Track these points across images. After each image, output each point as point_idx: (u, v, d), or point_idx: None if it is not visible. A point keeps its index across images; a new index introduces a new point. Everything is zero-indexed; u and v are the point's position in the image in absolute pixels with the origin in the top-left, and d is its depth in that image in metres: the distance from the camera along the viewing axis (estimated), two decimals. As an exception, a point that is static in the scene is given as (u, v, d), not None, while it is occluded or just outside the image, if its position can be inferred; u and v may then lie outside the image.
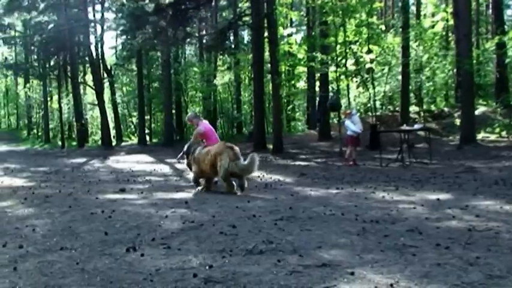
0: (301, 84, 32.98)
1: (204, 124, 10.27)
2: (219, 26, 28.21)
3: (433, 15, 29.52)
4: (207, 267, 4.00)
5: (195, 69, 38.63)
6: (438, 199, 7.41)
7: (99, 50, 39.33)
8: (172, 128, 32.72)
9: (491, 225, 5.49)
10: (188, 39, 30.95)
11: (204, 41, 33.38)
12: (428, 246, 4.57)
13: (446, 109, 27.69)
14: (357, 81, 28.57)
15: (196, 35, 31.46)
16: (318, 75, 27.83)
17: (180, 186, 10.24)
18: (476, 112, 22.00)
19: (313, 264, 4.03)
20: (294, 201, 7.57)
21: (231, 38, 32.91)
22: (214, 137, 10.03)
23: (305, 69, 27.48)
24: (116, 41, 44.59)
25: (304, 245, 4.69)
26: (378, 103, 29.48)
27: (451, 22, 27.24)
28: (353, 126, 14.52)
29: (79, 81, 38.87)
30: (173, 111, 34.72)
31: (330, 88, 26.77)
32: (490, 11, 32.90)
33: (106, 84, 42.09)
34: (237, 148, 8.91)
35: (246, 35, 39.85)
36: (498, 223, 5.57)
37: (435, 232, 5.20)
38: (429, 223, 5.66)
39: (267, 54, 24.73)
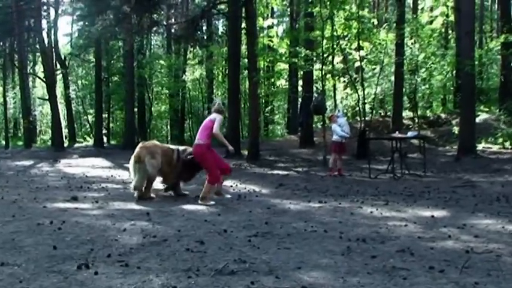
0: (282, 83, 33.14)
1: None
2: (190, 14, 28.19)
3: (431, 9, 29.90)
4: (170, 289, 3.97)
5: (162, 62, 38.54)
6: (433, 216, 7.49)
7: (52, 37, 38.78)
8: (133, 129, 32.52)
9: (491, 247, 5.55)
10: (155, 28, 30.81)
11: (173, 30, 33.23)
12: (421, 269, 4.61)
13: (443, 115, 28.05)
14: (344, 81, 28.81)
15: (164, 23, 31.31)
16: (301, 73, 27.95)
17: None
18: (477, 119, 22.31)
19: (291, 287, 4.03)
20: (270, 215, 7.57)
21: (204, 28, 32.90)
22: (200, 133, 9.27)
23: (287, 66, 27.64)
24: (72, 27, 44.21)
25: (282, 265, 4.69)
26: (367, 107, 29.69)
27: (452, 18, 27.71)
28: (340, 131, 14.59)
29: (27, 72, 38.41)
30: (135, 109, 34.52)
31: (315, 88, 26.92)
32: (496, 6, 33.45)
33: (59, 77, 41.59)
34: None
35: (220, 25, 39.93)
36: (499, 245, 5.64)
37: (429, 253, 5.24)
38: (422, 243, 5.71)
39: (244, 47, 24.81)
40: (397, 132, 17.45)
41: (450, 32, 32.03)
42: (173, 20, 32.73)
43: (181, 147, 10.17)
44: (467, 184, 11.68)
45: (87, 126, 45.51)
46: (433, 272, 4.52)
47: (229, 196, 9.85)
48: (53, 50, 38.25)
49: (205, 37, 33.12)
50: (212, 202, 8.73)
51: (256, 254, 5.12)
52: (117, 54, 38.60)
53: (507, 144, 20.95)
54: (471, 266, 4.76)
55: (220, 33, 38.94)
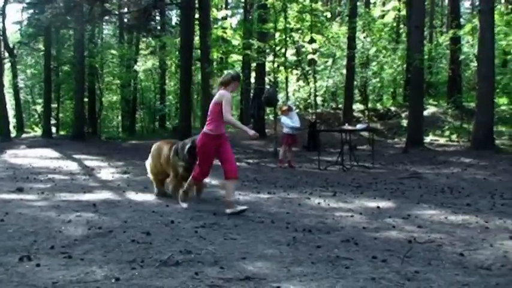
0: (236, 75, 33.05)
1: None
2: (142, 4, 27.79)
3: (383, 3, 30.28)
4: (113, 280, 3.94)
5: (113, 52, 37.96)
6: (378, 207, 7.62)
7: (0, 25, 37.89)
8: (83, 119, 31.99)
9: (433, 236, 5.69)
10: (106, 17, 30.36)
11: (125, 19, 32.82)
12: (364, 259, 4.69)
13: (393, 108, 28.51)
14: (297, 74, 28.96)
15: (116, 12, 30.85)
16: (254, 65, 27.95)
17: (89, 186, 10.02)
18: (425, 113, 22.79)
19: (235, 277, 4.05)
20: (219, 206, 7.57)
21: (157, 18, 32.54)
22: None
23: (240, 57, 27.57)
24: (22, 15, 43.24)
25: (227, 256, 4.71)
26: (319, 99, 30.00)
27: (404, 12, 28.14)
28: (290, 123, 14.65)
29: (-27, 60, 37.29)
30: (85, 99, 33.96)
31: (267, 80, 26.99)
32: (447, 1, 34.10)
33: (7, 66, 40.62)
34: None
35: (174, 16, 39.55)
36: (441, 235, 5.78)
37: (372, 243, 5.34)
38: (367, 233, 5.81)
39: (197, 38, 24.63)
40: (346, 124, 17.63)
41: (402, 26, 32.49)
42: (125, 9, 32.29)
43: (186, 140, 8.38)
44: (414, 176, 11.90)
45: (36, 116, 44.54)
46: (375, 262, 4.60)
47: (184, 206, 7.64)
48: (1, 38, 37.28)
49: (158, 27, 32.77)
50: (185, 205, 7.49)
51: (202, 244, 5.13)
52: (68, 43, 37.80)
53: (454, 137, 21.46)
54: (413, 255, 4.87)
55: (173, 23, 38.54)
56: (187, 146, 7.91)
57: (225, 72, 7.74)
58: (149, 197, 8.42)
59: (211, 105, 7.16)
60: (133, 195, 8.66)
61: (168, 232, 5.71)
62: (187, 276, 4.07)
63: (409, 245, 5.28)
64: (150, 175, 8.83)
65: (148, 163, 8.84)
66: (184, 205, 7.48)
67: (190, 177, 7.48)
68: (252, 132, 7.20)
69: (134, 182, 10.53)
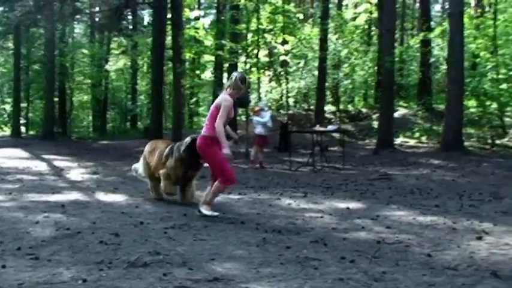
0: (208, 75, 33.03)
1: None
2: (114, 3, 27.59)
3: (355, 6, 30.51)
4: (80, 282, 3.91)
5: (84, 51, 37.62)
6: (348, 208, 7.67)
7: (-31, 23, 37.34)
8: (53, 119, 31.61)
9: (402, 237, 5.75)
10: (77, 16, 30.07)
11: (97, 19, 32.55)
12: (333, 259, 4.72)
13: (364, 110, 28.73)
14: (269, 75, 29.03)
15: (87, 11, 30.61)
16: (226, 65, 27.94)
17: (58, 187, 9.90)
18: (396, 114, 23.00)
19: (204, 278, 4.04)
20: (189, 207, 7.55)
21: (129, 17, 32.34)
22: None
23: (212, 58, 27.53)
24: (-10, 13, 42.44)
25: (196, 257, 4.70)
26: (291, 100, 30.10)
27: (375, 15, 28.38)
28: (262, 121, 14.64)
29: None
30: (55, 98, 33.58)
31: (240, 81, 26.96)
32: (418, 5, 34.49)
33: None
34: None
35: (146, 15, 39.30)
36: (409, 235, 5.85)
37: (341, 244, 5.38)
38: (336, 234, 5.85)
39: (169, 38, 24.51)
40: (318, 125, 17.71)
41: (373, 28, 32.77)
42: (97, 9, 32.05)
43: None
44: (384, 177, 12.00)
45: (5, 115, 43.85)
46: (344, 262, 4.63)
47: (217, 214, 6.95)
48: (-31, 36, 36.69)
49: (129, 27, 32.56)
50: (215, 213, 6.73)
51: (171, 245, 5.11)
52: (38, 41, 37.33)
53: (423, 138, 21.71)
54: (381, 256, 4.91)
55: (145, 23, 38.32)
56: (186, 141, 7.60)
57: (233, 74, 7.04)
58: (119, 198, 8.35)
59: (212, 108, 6.82)
60: (102, 196, 8.58)
61: (137, 233, 5.67)
62: (155, 278, 4.05)
63: (378, 246, 5.33)
64: (145, 179, 8.56)
65: (140, 165, 8.58)
66: (215, 213, 6.71)
67: (218, 184, 6.63)
68: (226, 151, 6.54)
69: (104, 183, 10.43)
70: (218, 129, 6.53)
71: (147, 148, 8.48)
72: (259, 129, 14.77)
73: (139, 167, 8.62)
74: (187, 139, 7.64)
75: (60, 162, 15.29)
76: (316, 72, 29.17)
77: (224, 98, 6.68)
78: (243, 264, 4.51)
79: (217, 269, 4.33)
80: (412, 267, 4.55)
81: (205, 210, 6.64)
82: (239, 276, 4.11)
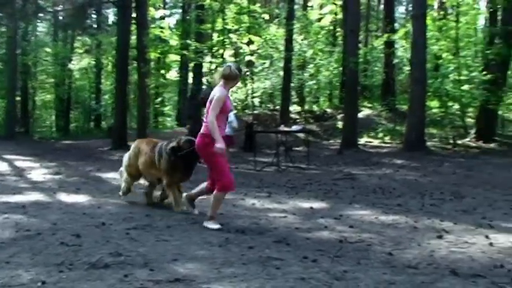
0: (173, 75, 32.88)
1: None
2: (78, 1, 27.25)
3: (321, 7, 30.70)
4: (40, 284, 3.87)
5: (48, 50, 37.11)
6: (312, 208, 7.70)
7: None
8: (15, 118, 31.07)
9: (364, 236, 5.81)
10: (40, 14, 29.57)
11: (60, 17, 32.10)
12: (295, 259, 4.74)
13: (329, 110, 28.87)
14: (235, 75, 28.98)
15: (50, 9, 30.13)
16: (191, 65, 27.85)
17: (19, 187, 9.73)
18: (360, 115, 23.20)
19: (165, 279, 4.03)
20: (152, 207, 7.51)
21: (93, 16, 31.99)
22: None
23: (178, 57, 27.43)
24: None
25: (158, 258, 4.68)
26: (256, 100, 30.13)
27: (340, 16, 28.62)
28: (228, 123, 14.63)
29: None
30: (18, 98, 33.03)
31: (205, 81, 26.92)
32: (382, 6, 34.86)
33: None
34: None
35: (111, 14, 38.94)
36: (371, 234, 5.91)
37: (304, 243, 5.41)
38: (299, 234, 5.87)
39: (134, 38, 24.33)
40: (282, 125, 17.77)
41: (338, 29, 33.00)
42: (60, 7, 31.55)
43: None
44: (347, 176, 12.07)
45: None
46: (306, 262, 4.66)
47: (196, 212, 7.04)
48: None
49: (94, 26, 32.21)
50: (217, 226, 6.14)
51: (133, 246, 5.08)
52: (0, 40, 36.72)
53: (387, 138, 21.95)
54: (343, 255, 4.96)
55: (110, 22, 37.95)
56: (170, 145, 7.16)
57: (226, 64, 6.58)
58: (81, 199, 8.24)
59: (207, 104, 6.26)
60: (64, 197, 8.46)
61: (99, 234, 5.62)
62: (116, 279, 4.03)
63: (340, 245, 5.38)
64: (123, 178, 8.11)
65: (124, 169, 8.01)
66: (216, 226, 6.14)
67: (216, 192, 6.19)
68: (219, 145, 6.02)
69: (66, 183, 10.29)
70: (209, 120, 6.07)
71: (132, 148, 8.04)
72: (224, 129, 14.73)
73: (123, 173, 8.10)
74: (173, 142, 7.26)
75: (22, 162, 15.02)
76: (281, 73, 29.23)
77: (217, 90, 6.21)
78: (205, 264, 4.51)
79: (179, 269, 4.32)
80: (373, 266, 4.60)
81: (211, 225, 6.13)
82: (201, 277, 4.11)
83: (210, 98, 6.21)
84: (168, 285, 3.89)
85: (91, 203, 7.82)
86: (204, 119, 6.31)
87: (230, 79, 6.29)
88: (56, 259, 4.57)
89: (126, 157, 8.04)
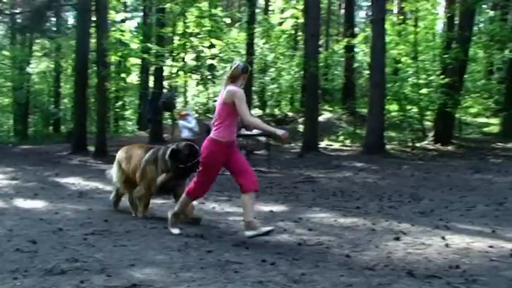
0: (134, 79, 32.61)
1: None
2: (36, 4, 26.82)
3: (282, 11, 30.83)
4: (-8, 292, 3.79)
5: (5, 53, 36.41)
6: (272, 211, 7.74)
7: None
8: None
9: (322, 239, 5.86)
10: (-3, 17, 29.04)
11: (18, 20, 31.53)
12: (254, 262, 4.76)
13: (290, 114, 28.99)
14: (196, 79, 28.92)
15: (8, 12, 29.59)
16: (152, 69, 27.66)
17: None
18: (321, 118, 23.36)
19: (122, 284, 4.00)
20: (111, 212, 7.44)
21: (52, 19, 31.53)
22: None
23: (138, 61, 27.19)
24: None
25: (115, 263, 4.64)
26: (218, 104, 30.05)
27: (302, 20, 28.79)
28: (188, 126, 14.56)
29: None
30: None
31: (166, 85, 26.76)
32: (343, 11, 35.21)
33: None
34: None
35: (70, 17, 38.45)
36: (330, 237, 5.96)
37: (263, 247, 5.44)
38: (258, 237, 5.87)
39: (94, 41, 24.06)
40: (243, 129, 17.75)
41: (300, 33, 33.19)
42: (18, 9, 31.03)
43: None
44: (308, 180, 12.14)
45: None
46: (264, 265, 4.68)
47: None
48: None
49: (53, 28, 31.75)
50: (176, 231, 6.06)
51: (90, 252, 5.03)
52: (-45, 43, 36.01)
53: (347, 142, 22.14)
54: (302, 258, 4.99)
55: (69, 25, 37.44)
56: (168, 150, 6.71)
57: (234, 63, 6.11)
58: (38, 204, 8.12)
59: (218, 106, 5.87)
60: (21, 203, 8.33)
61: (56, 240, 5.55)
62: (72, 285, 3.99)
63: (299, 248, 5.41)
64: (117, 185, 7.59)
65: (114, 172, 7.55)
66: (176, 231, 6.04)
67: (184, 194, 6.05)
68: (281, 132, 5.82)
69: (23, 189, 10.12)
70: (251, 121, 5.86)
71: (121, 153, 7.59)
72: (185, 133, 14.64)
73: (113, 173, 7.64)
74: (171, 146, 6.87)
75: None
76: (243, 76, 29.25)
77: (233, 91, 5.72)
78: (163, 269, 4.49)
79: (136, 274, 4.29)
80: (331, 268, 4.64)
81: (250, 232, 5.66)
82: (158, 282, 4.09)
83: (222, 101, 5.79)
84: (125, 290, 3.87)
85: (48, 209, 7.71)
86: (215, 123, 5.87)
87: (238, 76, 5.88)
88: (10, 266, 4.51)
89: (114, 168, 7.53)
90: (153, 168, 6.87)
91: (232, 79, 5.83)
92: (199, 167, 6.04)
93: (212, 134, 5.84)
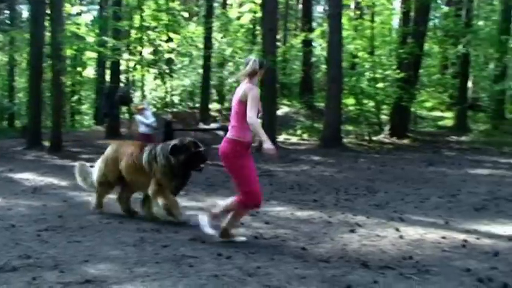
0: (90, 73, 32.19)
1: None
2: (-12, -4, 26.28)
3: (240, 5, 30.80)
4: None
5: (-43, 46, 35.58)
6: (228, 205, 7.73)
7: None
8: None
9: (279, 232, 5.90)
10: None
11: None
12: (209, 256, 4.77)
13: (249, 108, 28.99)
14: (154, 73, 28.72)
15: (-41, 4, 28.92)
16: (109, 63, 27.34)
17: None
18: (279, 112, 23.47)
19: (75, 281, 3.96)
20: (66, 208, 7.35)
21: (6, 11, 30.88)
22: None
23: (95, 55, 26.83)
24: None
25: (69, 259, 4.59)
26: (176, 98, 29.92)
27: (259, 14, 28.83)
28: (146, 122, 14.45)
29: None
30: None
31: (123, 79, 26.50)
32: (300, 6, 35.37)
33: None
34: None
35: (25, 10, 37.70)
36: (286, 230, 6.01)
37: (219, 241, 5.41)
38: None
39: (49, 34, 23.64)
40: (201, 123, 17.76)
41: (258, 28, 33.22)
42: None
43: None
44: (266, 173, 12.18)
45: None
46: (220, 259, 4.70)
47: (243, 239, 5.64)
48: None
49: (6, 21, 31.10)
50: (243, 238, 5.61)
51: (43, 248, 4.97)
52: None
53: (305, 135, 22.29)
54: (257, 251, 5.02)
55: (23, 18, 36.72)
56: (170, 145, 6.36)
57: (250, 59, 5.72)
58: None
59: (235, 105, 5.51)
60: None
61: (8, 237, 5.46)
62: (24, 282, 3.93)
63: (255, 241, 5.44)
64: (91, 188, 7.31)
65: (96, 170, 7.18)
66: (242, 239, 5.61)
67: (236, 204, 5.44)
68: (267, 145, 5.36)
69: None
70: (252, 122, 5.24)
71: (110, 150, 7.14)
72: (142, 128, 14.52)
73: (95, 170, 7.25)
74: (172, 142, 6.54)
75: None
76: (201, 71, 29.15)
77: (248, 87, 5.40)
78: (118, 264, 4.46)
79: (90, 270, 4.25)
80: (286, 261, 4.68)
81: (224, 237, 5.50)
82: (112, 277, 4.06)
83: (239, 99, 5.43)
84: (78, 286, 3.84)
85: (1, 205, 7.58)
86: (232, 122, 5.54)
87: (254, 73, 5.51)
88: (-40, 264, 4.41)
89: (99, 164, 7.15)
90: (155, 166, 6.43)
91: (250, 76, 5.51)
92: (203, 161, 6.09)
93: (230, 135, 5.44)
